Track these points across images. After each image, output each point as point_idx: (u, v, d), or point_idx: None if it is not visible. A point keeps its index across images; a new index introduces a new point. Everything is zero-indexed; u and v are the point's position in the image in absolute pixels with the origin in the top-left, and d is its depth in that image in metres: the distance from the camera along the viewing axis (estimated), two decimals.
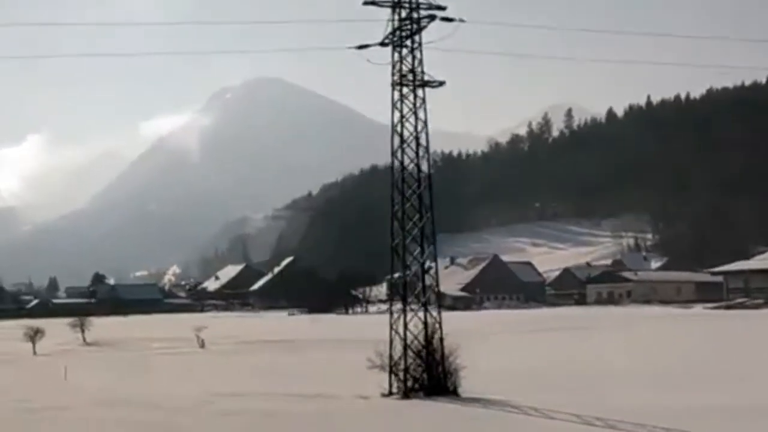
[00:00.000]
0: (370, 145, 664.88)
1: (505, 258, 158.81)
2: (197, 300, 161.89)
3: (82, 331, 68.73)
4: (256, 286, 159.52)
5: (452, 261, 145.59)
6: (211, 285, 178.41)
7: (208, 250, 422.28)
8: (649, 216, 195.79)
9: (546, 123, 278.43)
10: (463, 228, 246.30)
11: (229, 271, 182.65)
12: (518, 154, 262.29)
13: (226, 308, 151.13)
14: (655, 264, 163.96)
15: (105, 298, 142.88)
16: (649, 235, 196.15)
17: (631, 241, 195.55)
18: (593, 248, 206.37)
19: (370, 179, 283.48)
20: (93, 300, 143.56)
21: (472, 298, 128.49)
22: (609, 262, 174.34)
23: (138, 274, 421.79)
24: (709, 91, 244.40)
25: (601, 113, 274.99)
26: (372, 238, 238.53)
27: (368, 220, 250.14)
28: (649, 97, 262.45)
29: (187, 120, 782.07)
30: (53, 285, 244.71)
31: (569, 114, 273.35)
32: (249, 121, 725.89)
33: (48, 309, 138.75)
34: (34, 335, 57.26)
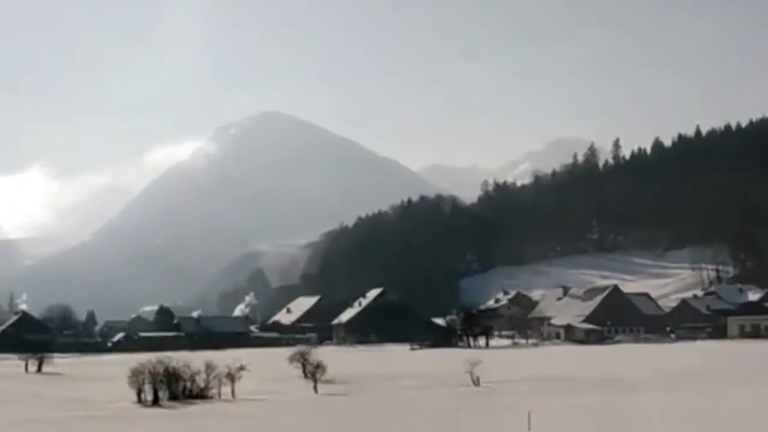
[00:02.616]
0: (377, 181, 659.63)
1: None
2: (281, 333, 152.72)
3: (304, 367, 60.04)
4: (343, 319, 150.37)
5: (565, 292, 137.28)
6: (284, 318, 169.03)
7: (225, 284, 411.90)
8: (728, 246, 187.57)
9: (592, 153, 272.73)
10: (520, 260, 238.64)
11: (302, 304, 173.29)
12: (566, 184, 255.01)
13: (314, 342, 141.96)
14: (753, 296, 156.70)
15: (193, 332, 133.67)
16: (730, 267, 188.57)
17: (712, 273, 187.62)
18: (668, 280, 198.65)
19: (411, 212, 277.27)
20: (182, 333, 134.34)
21: (601, 331, 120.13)
22: (698, 293, 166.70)
23: (147, 309, 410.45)
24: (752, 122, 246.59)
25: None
26: (415, 268, 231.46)
27: (409, 252, 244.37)
28: (698, 127, 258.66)
29: (190, 153, 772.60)
30: (92, 318, 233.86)
31: (616, 144, 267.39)
32: (253, 155, 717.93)
33: (135, 343, 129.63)
34: (315, 370, 48.64)
